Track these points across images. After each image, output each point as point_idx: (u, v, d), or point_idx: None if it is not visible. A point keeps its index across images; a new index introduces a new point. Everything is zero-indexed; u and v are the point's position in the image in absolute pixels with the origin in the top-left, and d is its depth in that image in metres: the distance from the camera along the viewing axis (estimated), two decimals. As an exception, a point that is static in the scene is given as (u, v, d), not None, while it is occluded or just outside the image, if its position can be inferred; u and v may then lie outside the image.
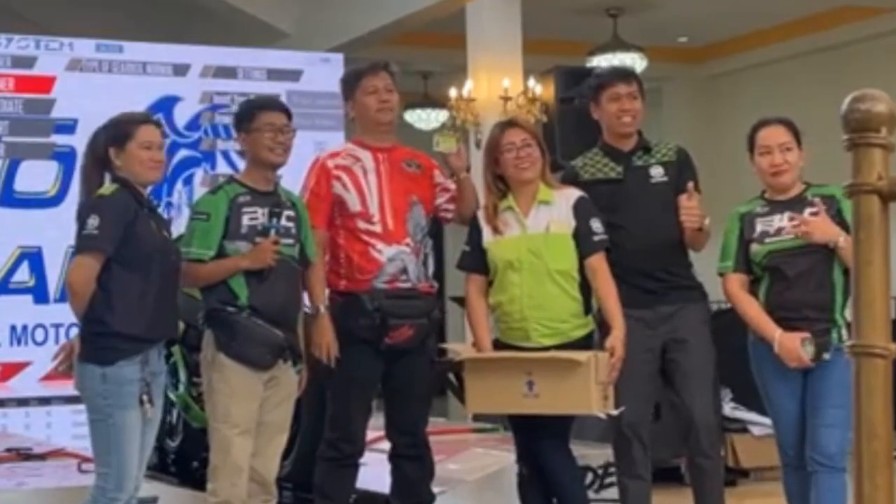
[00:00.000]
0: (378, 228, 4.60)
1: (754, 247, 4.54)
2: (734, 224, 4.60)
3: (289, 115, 4.63)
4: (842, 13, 11.56)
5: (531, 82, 9.92)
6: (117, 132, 4.35)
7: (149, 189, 4.48)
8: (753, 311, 4.53)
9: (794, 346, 4.39)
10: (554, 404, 4.48)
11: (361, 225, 4.61)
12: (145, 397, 4.19)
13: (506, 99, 9.87)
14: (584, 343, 4.57)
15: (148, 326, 4.20)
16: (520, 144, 4.61)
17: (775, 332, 4.43)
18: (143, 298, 4.19)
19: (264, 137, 4.47)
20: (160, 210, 9.47)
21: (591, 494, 5.72)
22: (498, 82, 9.93)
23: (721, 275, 4.62)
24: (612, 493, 5.85)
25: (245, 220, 4.42)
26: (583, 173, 4.79)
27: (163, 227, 4.41)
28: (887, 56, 11.31)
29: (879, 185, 1.94)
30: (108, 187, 4.29)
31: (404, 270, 4.61)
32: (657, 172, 4.73)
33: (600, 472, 5.91)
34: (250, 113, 4.58)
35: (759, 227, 4.56)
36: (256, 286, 4.39)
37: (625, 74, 4.89)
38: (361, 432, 4.69)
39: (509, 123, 4.82)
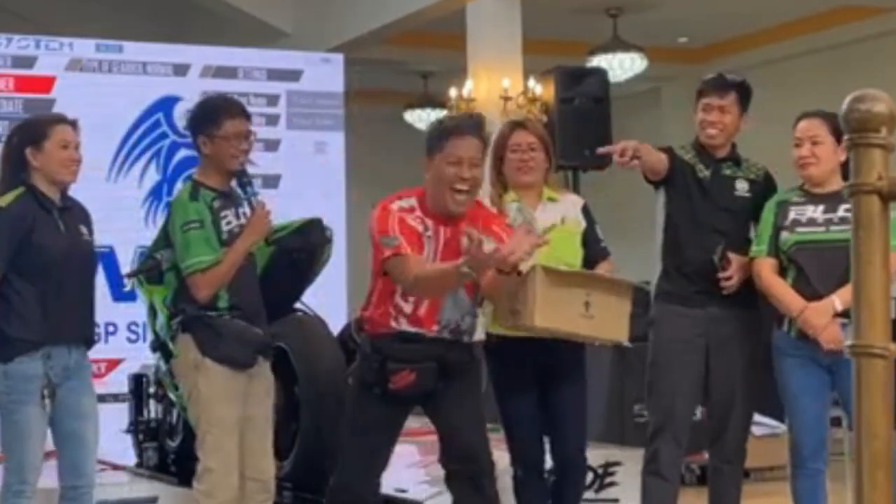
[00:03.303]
0: (408, 308, 4.19)
1: (784, 234, 4.53)
2: (770, 210, 4.59)
3: (249, 118, 4.56)
4: (842, 13, 11.55)
5: (531, 82, 9.91)
6: (34, 132, 4.38)
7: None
8: (783, 291, 4.49)
9: (820, 322, 4.34)
10: (600, 329, 4.52)
11: (396, 296, 4.20)
12: (46, 391, 4.23)
13: (506, 99, 9.87)
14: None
15: (49, 331, 4.25)
16: (525, 147, 4.65)
17: (802, 305, 4.39)
18: (43, 305, 4.24)
19: (230, 146, 4.42)
20: (155, 208, 9.46)
21: (591, 494, 5.72)
22: (498, 82, 9.92)
23: (752, 259, 4.61)
24: (612, 492, 5.86)
25: (223, 226, 4.42)
26: (679, 153, 4.78)
27: (77, 224, 4.40)
28: (887, 56, 11.30)
29: (879, 185, 1.94)
30: (6, 196, 4.31)
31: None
32: (742, 186, 4.75)
33: (600, 472, 5.90)
34: (216, 118, 4.44)
35: (791, 215, 4.55)
36: (231, 287, 4.41)
37: (721, 85, 4.73)
38: (360, 482, 4.31)
39: (519, 124, 4.84)
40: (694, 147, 4.80)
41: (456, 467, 4.30)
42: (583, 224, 4.70)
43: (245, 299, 4.45)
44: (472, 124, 4.18)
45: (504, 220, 4.41)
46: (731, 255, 4.59)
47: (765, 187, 4.78)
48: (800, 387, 4.48)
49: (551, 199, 4.70)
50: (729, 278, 4.58)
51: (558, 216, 4.67)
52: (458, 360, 4.22)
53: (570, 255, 4.63)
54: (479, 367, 4.42)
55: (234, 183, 4.57)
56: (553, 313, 4.42)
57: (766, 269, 4.56)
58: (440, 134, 4.15)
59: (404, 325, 4.17)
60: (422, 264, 4.10)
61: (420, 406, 4.35)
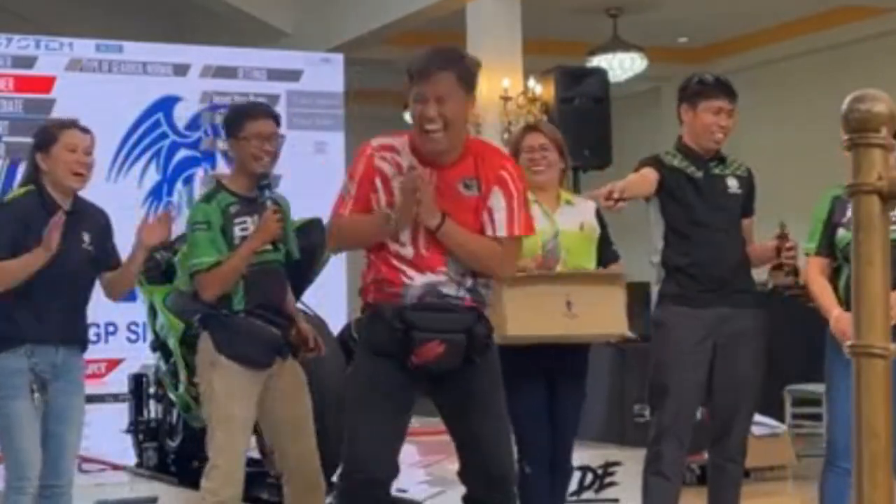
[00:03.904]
0: (409, 253, 3.81)
1: (840, 231, 4.45)
2: (824, 205, 4.54)
3: (277, 121, 4.60)
4: (842, 13, 11.55)
5: (531, 82, 9.92)
6: (44, 137, 4.45)
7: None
8: (822, 293, 4.46)
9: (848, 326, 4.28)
10: (590, 326, 4.52)
11: (391, 246, 3.83)
12: (35, 386, 4.29)
13: (506, 99, 9.87)
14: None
15: (33, 329, 4.30)
16: (537, 148, 4.75)
17: (833, 310, 4.36)
18: (29, 305, 4.29)
19: (251, 146, 4.45)
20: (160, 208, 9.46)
21: (590, 494, 5.72)
22: (498, 82, 9.92)
23: (806, 255, 4.59)
24: (612, 492, 5.86)
25: (237, 232, 4.44)
26: (668, 160, 4.78)
27: (81, 231, 4.43)
28: (887, 56, 11.30)
29: (879, 185, 1.94)
30: (18, 190, 4.44)
31: (438, 295, 3.83)
32: (733, 184, 4.76)
33: (600, 472, 5.90)
34: (239, 121, 4.54)
35: (849, 212, 4.47)
36: (251, 292, 4.43)
37: (730, 91, 4.78)
38: (375, 458, 3.81)
39: (531, 127, 4.96)
40: (680, 150, 4.79)
41: (480, 494, 3.90)
42: (598, 229, 4.78)
43: (264, 301, 4.45)
44: (440, 59, 3.76)
45: (513, 161, 4.14)
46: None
47: (749, 183, 4.80)
48: (844, 386, 4.43)
49: (569, 203, 4.77)
50: (790, 248, 4.60)
51: (577, 221, 4.73)
52: (482, 335, 3.87)
53: (588, 261, 4.71)
54: (496, 354, 4.02)
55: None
56: (528, 320, 4.39)
57: (812, 269, 4.53)
58: (409, 77, 3.78)
59: (413, 274, 3.78)
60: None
61: (431, 395, 3.96)
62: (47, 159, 4.38)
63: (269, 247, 4.49)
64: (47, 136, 4.43)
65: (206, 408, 4.56)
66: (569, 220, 4.71)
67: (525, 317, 4.40)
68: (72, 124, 4.58)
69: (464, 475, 3.93)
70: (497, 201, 3.81)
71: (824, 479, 4.51)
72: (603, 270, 4.68)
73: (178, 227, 4.97)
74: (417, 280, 3.78)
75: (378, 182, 3.83)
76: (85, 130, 4.52)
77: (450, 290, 3.79)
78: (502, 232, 3.81)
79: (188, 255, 4.49)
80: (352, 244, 4.03)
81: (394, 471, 3.84)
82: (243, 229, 4.44)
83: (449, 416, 3.94)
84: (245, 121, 4.50)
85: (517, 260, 4.03)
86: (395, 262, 3.81)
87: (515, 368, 4.63)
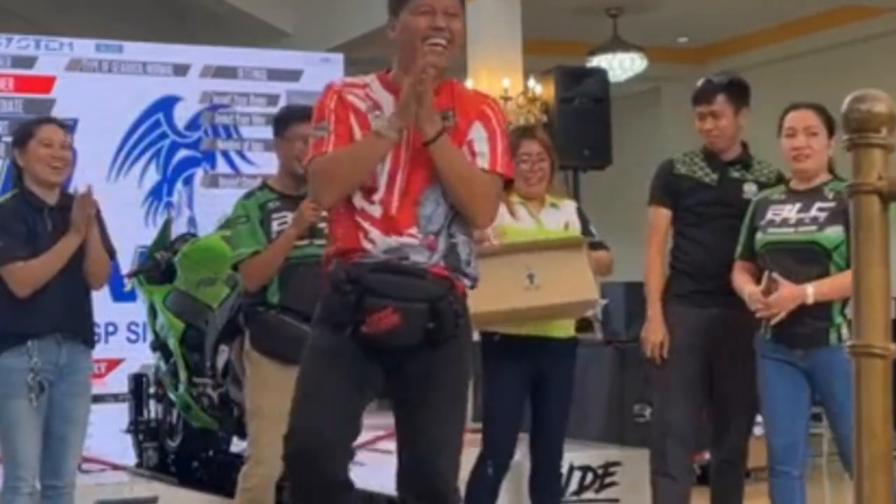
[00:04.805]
0: (377, 211, 3.30)
1: (758, 235, 4.46)
2: (749, 210, 4.55)
3: None
4: (842, 13, 11.55)
5: (531, 82, 9.92)
6: (20, 134, 4.49)
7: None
8: (737, 281, 4.46)
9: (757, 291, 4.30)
10: (557, 295, 4.48)
11: (357, 201, 3.33)
12: (34, 386, 4.29)
13: (506, 99, 9.86)
14: (584, 324, 4.93)
15: (31, 325, 4.32)
16: (535, 158, 4.73)
17: (746, 287, 4.37)
18: (27, 301, 4.31)
19: (294, 148, 4.52)
20: (160, 208, 9.47)
21: (591, 494, 5.72)
22: (498, 82, 9.92)
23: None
24: (612, 492, 5.86)
25: (275, 227, 4.52)
26: (679, 166, 4.78)
27: (67, 222, 4.42)
28: (887, 56, 11.30)
29: (879, 185, 1.94)
30: (4, 196, 4.50)
31: (405, 260, 3.32)
32: (750, 189, 4.72)
33: (600, 472, 5.90)
34: (286, 121, 4.65)
35: (768, 215, 4.46)
36: (287, 286, 4.50)
37: (707, 91, 4.72)
38: (319, 424, 3.24)
39: (528, 133, 4.87)
40: (703, 151, 4.81)
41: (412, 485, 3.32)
42: (579, 226, 4.81)
43: (299, 299, 4.44)
44: None
45: (494, 99, 3.66)
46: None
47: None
48: (773, 389, 4.40)
49: (553, 206, 4.81)
50: (768, 296, 4.32)
51: (562, 221, 4.78)
52: (450, 311, 3.26)
53: None
54: (468, 348, 3.43)
55: None
56: (488, 295, 4.03)
57: (736, 272, 4.52)
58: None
59: (376, 236, 3.27)
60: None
61: (388, 388, 3.36)
62: (24, 155, 4.41)
63: (306, 241, 4.51)
64: (23, 133, 4.47)
65: (246, 401, 4.68)
66: (553, 220, 4.76)
67: (486, 292, 3.95)
68: (48, 120, 4.64)
69: (398, 480, 3.34)
70: (479, 134, 3.37)
71: (770, 486, 4.45)
72: (562, 235, 4.66)
73: (178, 228, 4.99)
74: (380, 244, 3.27)
75: (352, 117, 3.36)
76: (62, 125, 4.55)
77: (419, 256, 3.26)
78: (485, 164, 3.33)
79: (231, 249, 4.64)
80: (341, 184, 3.30)
81: (338, 446, 3.26)
82: (281, 224, 4.52)
83: (399, 405, 3.34)
84: (292, 122, 4.60)
85: (497, 206, 3.48)
86: (358, 219, 3.30)
87: (501, 374, 4.62)
